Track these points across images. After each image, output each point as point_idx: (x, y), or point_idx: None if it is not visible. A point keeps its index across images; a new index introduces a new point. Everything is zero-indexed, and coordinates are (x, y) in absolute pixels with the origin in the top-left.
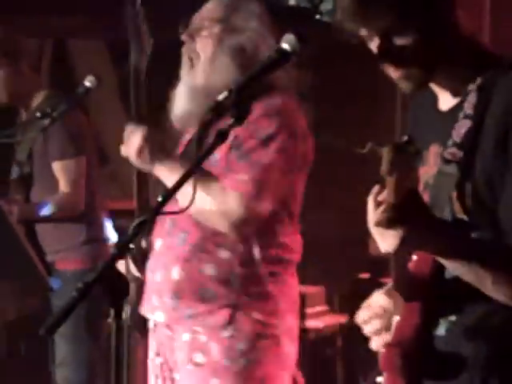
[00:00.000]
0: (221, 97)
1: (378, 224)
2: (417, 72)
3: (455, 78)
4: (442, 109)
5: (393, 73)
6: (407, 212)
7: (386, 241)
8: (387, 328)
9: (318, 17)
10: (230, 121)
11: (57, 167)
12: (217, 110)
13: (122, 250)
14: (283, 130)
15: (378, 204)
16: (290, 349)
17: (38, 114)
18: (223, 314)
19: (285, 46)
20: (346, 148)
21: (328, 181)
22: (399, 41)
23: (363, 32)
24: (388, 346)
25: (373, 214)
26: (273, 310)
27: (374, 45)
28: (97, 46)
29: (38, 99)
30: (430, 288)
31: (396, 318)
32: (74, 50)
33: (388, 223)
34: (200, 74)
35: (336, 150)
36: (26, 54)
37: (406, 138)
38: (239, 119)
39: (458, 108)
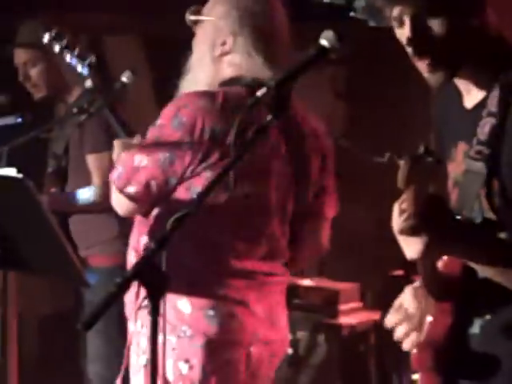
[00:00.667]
0: (259, 93)
1: (401, 232)
2: (444, 62)
3: (480, 75)
4: (466, 106)
5: (419, 63)
6: (428, 219)
7: (410, 247)
8: (418, 329)
9: (351, 14)
10: (269, 117)
11: (90, 160)
12: (255, 106)
13: (160, 245)
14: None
15: (401, 211)
16: None
17: (75, 110)
18: None
19: (323, 42)
20: (363, 156)
21: (364, 178)
22: (429, 28)
23: (395, 13)
24: (421, 346)
25: (397, 222)
26: None
27: (402, 32)
28: (133, 43)
29: (75, 93)
30: (461, 287)
31: (428, 318)
32: (110, 47)
33: (410, 231)
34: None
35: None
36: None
37: (422, 148)
38: (278, 115)
39: (482, 105)
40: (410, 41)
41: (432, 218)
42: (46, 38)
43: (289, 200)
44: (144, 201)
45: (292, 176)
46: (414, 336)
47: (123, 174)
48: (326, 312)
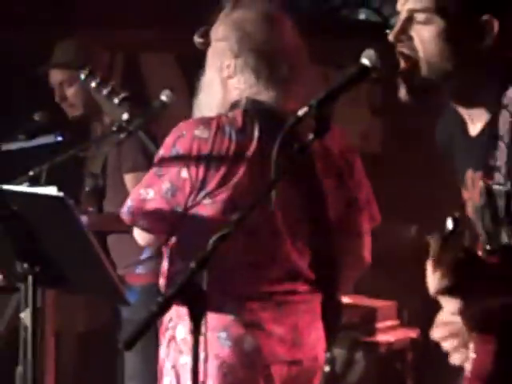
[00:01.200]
0: (301, 112)
1: (437, 293)
2: (428, 69)
3: (481, 98)
4: (472, 134)
5: (401, 62)
6: (463, 279)
7: (449, 305)
8: (465, 345)
9: (388, 31)
10: (310, 136)
11: (128, 179)
12: (296, 126)
13: (201, 265)
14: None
15: (434, 270)
16: None
17: (114, 128)
18: None
19: (365, 61)
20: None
21: (404, 195)
22: (422, 28)
23: (402, 5)
24: (468, 380)
25: (431, 281)
26: None
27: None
28: (168, 60)
29: None
30: (502, 319)
31: (471, 355)
32: (145, 64)
33: (446, 292)
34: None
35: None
36: (100, 67)
37: (451, 223)
38: (319, 134)
39: (488, 130)
40: (398, 35)
41: (467, 277)
42: (82, 76)
43: (300, 221)
44: (158, 231)
45: (301, 197)
46: (462, 352)
47: (132, 208)
48: (363, 329)
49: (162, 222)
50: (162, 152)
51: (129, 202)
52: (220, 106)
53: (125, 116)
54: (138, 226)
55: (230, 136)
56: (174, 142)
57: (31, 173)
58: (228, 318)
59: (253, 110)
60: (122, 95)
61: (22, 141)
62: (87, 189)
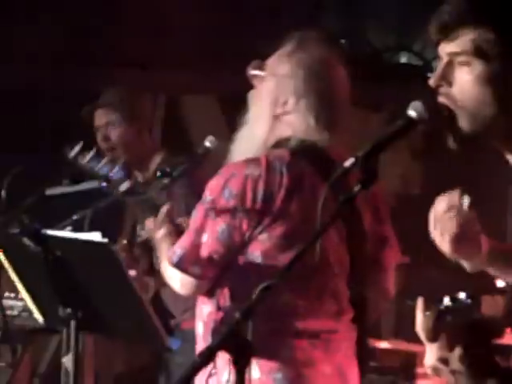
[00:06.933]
0: (348, 163)
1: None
2: (469, 119)
3: None
4: None
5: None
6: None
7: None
8: None
9: (430, 75)
10: (357, 186)
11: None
12: (343, 176)
13: (246, 315)
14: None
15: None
16: None
17: (159, 173)
18: None
19: (412, 113)
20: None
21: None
22: (462, 72)
23: (442, 49)
24: None
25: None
26: None
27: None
28: (209, 101)
29: (154, 161)
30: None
31: None
32: (186, 105)
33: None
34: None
35: None
36: (144, 115)
37: (448, 301)
38: (366, 185)
39: None
40: (438, 80)
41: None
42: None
43: (344, 255)
44: (210, 277)
45: (344, 230)
46: None
47: (185, 255)
48: (403, 375)
49: (216, 266)
50: (210, 195)
51: (179, 250)
52: (263, 141)
53: (124, 186)
54: (189, 274)
55: (281, 171)
56: (225, 183)
57: (75, 217)
58: (282, 359)
59: (301, 150)
60: (121, 165)
61: (66, 185)
62: (139, 239)
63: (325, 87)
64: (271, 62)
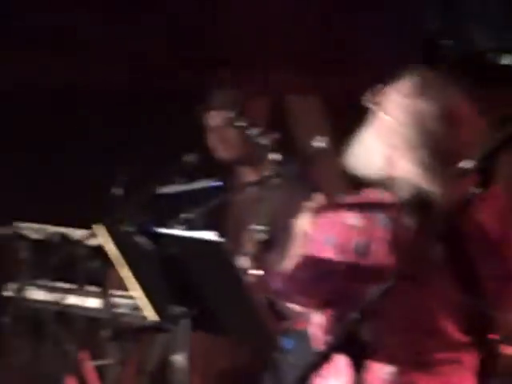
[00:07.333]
0: (466, 164)
1: None
2: None
3: None
4: None
5: None
6: None
7: None
8: None
9: None
10: (474, 188)
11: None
12: (462, 176)
13: (365, 315)
14: None
15: None
16: None
17: (270, 173)
18: None
19: None
20: None
21: None
22: None
23: None
24: None
25: None
26: None
27: None
28: (312, 102)
29: (267, 161)
30: None
31: None
32: (291, 106)
33: None
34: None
35: None
36: (254, 111)
37: None
38: (484, 186)
39: None
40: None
41: None
42: (232, 116)
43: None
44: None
45: (452, 274)
46: None
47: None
48: None
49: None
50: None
51: (279, 284)
52: (377, 170)
53: (273, 155)
54: (293, 303)
55: (385, 225)
56: (328, 230)
57: (188, 216)
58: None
59: (413, 198)
60: (272, 136)
61: (180, 184)
62: (261, 239)
63: (439, 144)
64: (385, 100)
